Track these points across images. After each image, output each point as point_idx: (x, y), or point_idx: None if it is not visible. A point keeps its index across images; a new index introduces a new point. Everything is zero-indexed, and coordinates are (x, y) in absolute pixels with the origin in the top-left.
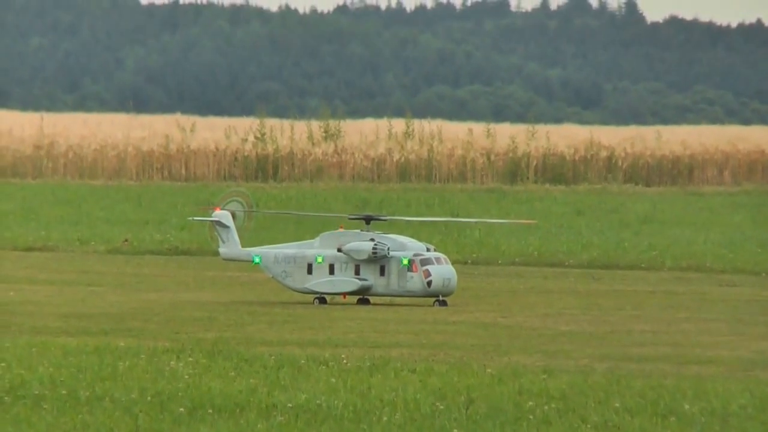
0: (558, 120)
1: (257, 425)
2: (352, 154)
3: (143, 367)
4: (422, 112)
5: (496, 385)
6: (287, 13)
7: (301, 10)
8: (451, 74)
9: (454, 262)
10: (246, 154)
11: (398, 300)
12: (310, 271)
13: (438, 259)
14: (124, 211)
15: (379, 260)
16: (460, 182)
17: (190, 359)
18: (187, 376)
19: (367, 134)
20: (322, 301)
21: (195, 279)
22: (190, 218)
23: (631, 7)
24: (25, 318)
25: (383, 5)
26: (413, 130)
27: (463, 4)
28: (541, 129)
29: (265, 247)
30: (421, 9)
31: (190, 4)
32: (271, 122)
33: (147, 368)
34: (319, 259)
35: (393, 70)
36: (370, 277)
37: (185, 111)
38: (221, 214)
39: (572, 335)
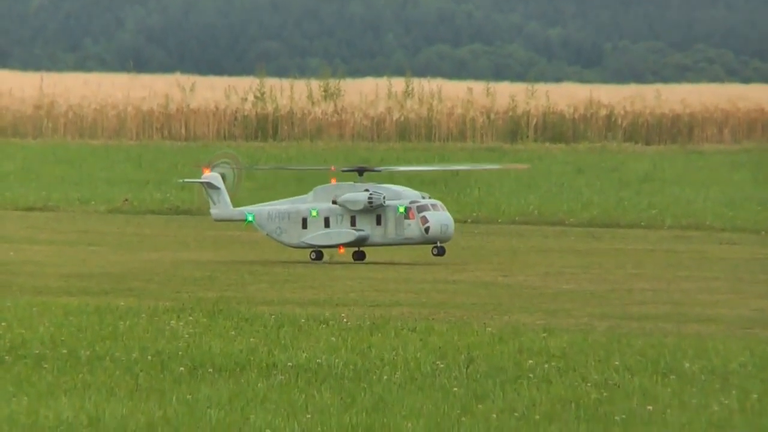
0: (558, 79)
1: (257, 384)
2: (351, 113)
3: (144, 327)
4: (422, 72)
5: (496, 344)
6: None
7: None
8: (451, 34)
9: (453, 221)
10: (246, 113)
11: (397, 255)
12: (305, 225)
13: (434, 206)
14: (125, 171)
15: (374, 210)
16: (459, 141)
17: (191, 318)
18: (187, 336)
19: (367, 94)
20: (319, 255)
21: (195, 238)
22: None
23: None
24: (25, 278)
25: None
26: (413, 90)
27: None
28: (541, 88)
29: (257, 205)
30: None
31: None
32: (271, 82)
33: (147, 328)
34: (314, 213)
35: (393, 29)
36: (367, 227)
37: (185, 71)
38: (211, 176)
39: (572, 294)
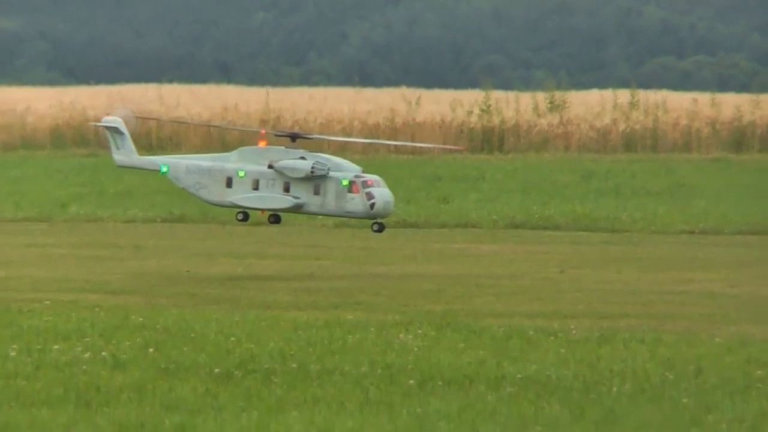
0: None
1: (487, 397)
2: (577, 125)
3: (372, 341)
4: (646, 83)
5: (725, 355)
6: None
7: None
8: (675, 45)
9: (680, 232)
10: (471, 126)
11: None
12: (229, 184)
13: (377, 182)
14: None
15: (313, 179)
16: (685, 152)
17: (419, 332)
18: (416, 349)
19: (592, 105)
20: (245, 216)
21: (422, 252)
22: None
23: None
24: (254, 293)
25: None
26: (638, 101)
27: None
28: (766, 98)
29: (171, 156)
30: None
31: None
32: (496, 94)
33: (376, 341)
34: (241, 174)
35: (617, 41)
36: (303, 195)
37: (410, 84)
38: (116, 120)
39: None
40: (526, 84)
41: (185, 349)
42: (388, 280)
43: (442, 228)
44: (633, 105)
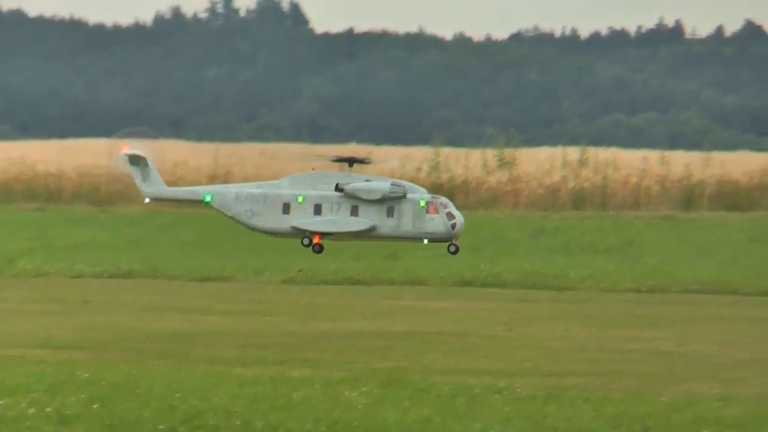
0: (733, 147)
1: None
2: (527, 182)
3: (318, 398)
4: (598, 140)
5: (671, 413)
6: (462, 40)
7: (476, 38)
8: (628, 102)
9: (628, 290)
10: (420, 183)
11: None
12: (286, 210)
13: (449, 204)
14: (299, 241)
15: (386, 201)
16: (634, 209)
17: (365, 389)
18: (361, 406)
19: (542, 162)
20: (311, 242)
21: (370, 308)
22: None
23: None
24: (201, 348)
25: (557, 33)
26: (588, 158)
27: (638, 32)
28: (716, 156)
29: (212, 185)
30: (595, 36)
31: (366, 33)
32: (447, 151)
33: (322, 398)
34: (300, 199)
35: (569, 97)
36: (375, 218)
37: (361, 140)
38: (139, 150)
39: (749, 363)
40: (478, 140)
41: (131, 405)
42: (335, 336)
43: (390, 285)
44: (583, 162)
